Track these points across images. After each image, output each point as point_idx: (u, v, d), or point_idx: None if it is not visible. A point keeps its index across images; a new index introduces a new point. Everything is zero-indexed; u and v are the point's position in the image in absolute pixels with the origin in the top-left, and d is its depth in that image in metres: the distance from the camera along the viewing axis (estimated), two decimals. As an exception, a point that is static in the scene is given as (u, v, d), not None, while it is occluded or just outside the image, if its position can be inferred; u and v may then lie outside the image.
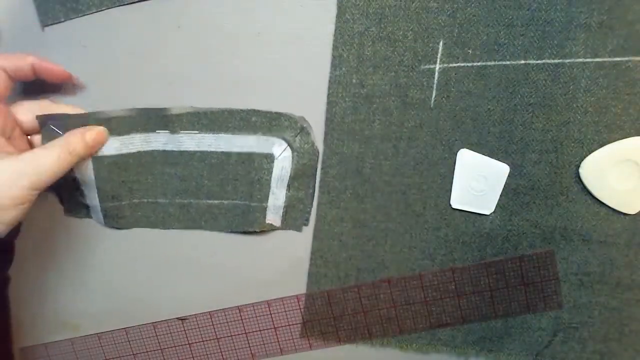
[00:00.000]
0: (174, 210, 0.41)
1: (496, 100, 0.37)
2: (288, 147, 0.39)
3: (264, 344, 0.43)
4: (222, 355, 0.44)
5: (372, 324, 0.42)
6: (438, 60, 0.37)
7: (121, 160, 0.39)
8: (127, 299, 0.44)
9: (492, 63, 0.37)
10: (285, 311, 0.43)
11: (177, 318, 0.44)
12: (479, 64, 0.37)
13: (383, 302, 0.41)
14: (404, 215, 0.40)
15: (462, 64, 0.37)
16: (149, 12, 0.38)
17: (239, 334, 0.43)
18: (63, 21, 0.39)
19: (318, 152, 0.39)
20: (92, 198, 0.40)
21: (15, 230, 0.37)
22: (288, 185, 0.40)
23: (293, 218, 0.41)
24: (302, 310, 0.42)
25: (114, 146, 0.38)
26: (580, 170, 0.37)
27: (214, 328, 0.44)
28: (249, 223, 0.40)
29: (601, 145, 0.37)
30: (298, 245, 0.41)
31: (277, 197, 0.40)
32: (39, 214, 0.42)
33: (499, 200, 0.39)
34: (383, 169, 0.39)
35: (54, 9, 0.38)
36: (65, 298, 0.45)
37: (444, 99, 0.38)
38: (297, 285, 0.42)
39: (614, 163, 0.37)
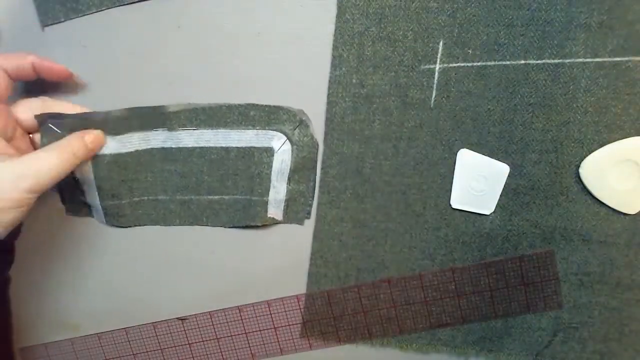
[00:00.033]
0: (174, 207, 0.41)
1: (496, 100, 0.37)
2: (287, 140, 0.39)
3: (264, 344, 0.43)
4: (222, 355, 0.44)
5: (372, 324, 0.42)
6: (438, 60, 0.37)
7: (120, 160, 0.39)
8: (127, 299, 0.44)
9: (492, 63, 0.37)
10: (285, 311, 0.43)
11: (177, 318, 0.44)
12: (479, 64, 0.37)
13: (383, 302, 0.41)
14: (404, 215, 0.40)
15: (462, 64, 0.37)
16: (149, 12, 0.38)
17: (239, 334, 0.43)
18: (63, 21, 0.39)
19: (317, 145, 0.40)
20: (93, 197, 0.40)
21: (16, 231, 0.37)
22: (288, 179, 0.40)
23: (294, 211, 0.41)
24: (302, 310, 0.42)
25: (113, 146, 0.39)
26: (580, 170, 0.37)
27: (214, 328, 0.44)
28: (250, 217, 0.40)
29: (601, 145, 0.37)
30: (298, 245, 0.41)
31: (278, 190, 0.40)
32: (39, 214, 0.42)
33: (499, 200, 0.39)
34: (383, 169, 0.39)
35: (54, 9, 0.38)
36: (65, 298, 0.45)
37: (444, 99, 0.38)
38: (297, 285, 0.42)
39: (614, 163, 0.37)
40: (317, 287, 0.42)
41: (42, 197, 0.41)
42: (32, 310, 0.45)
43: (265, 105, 0.39)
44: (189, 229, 0.42)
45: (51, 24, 0.39)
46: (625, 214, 0.38)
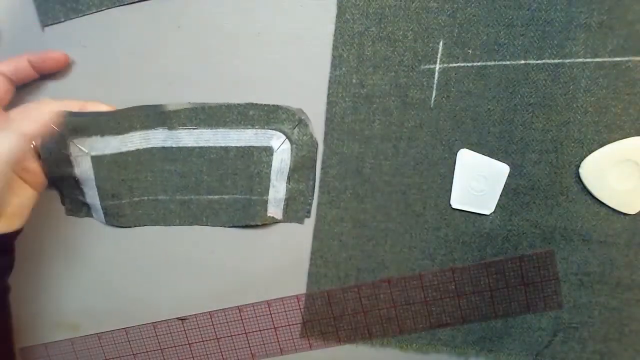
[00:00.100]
0: (174, 207, 0.41)
1: (496, 100, 0.37)
2: (286, 139, 0.39)
3: (264, 344, 0.43)
4: (222, 355, 0.44)
5: (372, 324, 0.42)
6: (438, 60, 0.37)
7: (120, 159, 0.39)
8: (127, 299, 0.44)
9: (492, 63, 0.37)
10: (285, 311, 0.43)
11: (177, 318, 0.44)
12: (479, 64, 0.37)
13: (383, 302, 0.41)
14: (404, 215, 0.40)
15: (462, 64, 0.37)
16: (149, 12, 0.38)
17: (239, 334, 0.43)
18: (63, 21, 0.39)
19: (317, 144, 0.40)
20: (92, 197, 0.40)
21: (12, 240, 0.38)
22: (288, 178, 0.40)
23: (294, 210, 0.41)
24: (302, 310, 0.42)
25: (114, 145, 0.39)
26: (580, 170, 0.37)
27: (214, 328, 0.44)
28: (250, 217, 0.40)
29: (601, 145, 0.37)
30: (298, 245, 0.41)
31: (278, 189, 0.40)
32: (39, 214, 0.42)
33: (499, 200, 0.39)
34: (383, 169, 0.39)
35: (54, 9, 0.38)
36: (65, 298, 0.45)
37: (444, 99, 0.38)
38: (297, 285, 0.42)
39: (614, 163, 0.37)
40: (317, 287, 0.42)
41: (42, 198, 0.41)
42: (32, 310, 0.45)
43: (264, 104, 0.39)
44: (189, 228, 0.42)
45: (51, 24, 0.39)
46: (625, 214, 0.38)
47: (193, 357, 0.44)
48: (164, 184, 0.41)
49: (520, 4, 0.36)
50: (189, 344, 0.44)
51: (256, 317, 0.43)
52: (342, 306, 0.42)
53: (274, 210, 0.40)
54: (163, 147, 0.40)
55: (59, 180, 0.40)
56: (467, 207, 0.39)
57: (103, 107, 0.38)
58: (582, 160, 0.37)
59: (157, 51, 0.39)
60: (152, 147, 0.40)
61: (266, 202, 0.40)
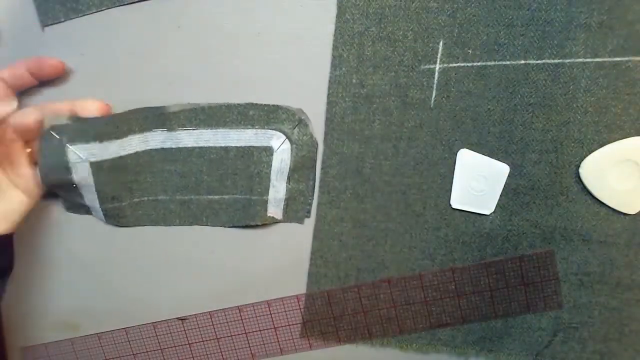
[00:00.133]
0: (175, 207, 0.41)
1: (496, 100, 0.37)
2: (286, 139, 0.39)
3: (264, 344, 0.43)
4: (222, 355, 0.44)
5: (372, 324, 0.42)
6: (438, 60, 0.37)
7: (120, 163, 0.39)
8: (127, 299, 0.44)
9: (492, 63, 0.37)
10: (285, 311, 0.43)
11: (177, 318, 0.44)
12: (479, 64, 0.37)
13: (383, 302, 0.41)
14: (404, 215, 0.40)
15: (462, 64, 0.37)
16: (149, 12, 0.38)
17: (239, 334, 0.43)
18: (63, 21, 0.39)
19: (317, 144, 0.40)
20: (92, 200, 0.40)
21: (10, 248, 0.38)
22: (288, 178, 0.40)
23: (294, 210, 0.41)
24: (302, 310, 0.42)
25: (112, 150, 0.38)
26: (580, 170, 0.37)
27: (214, 328, 0.44)
28: (250, 217, 0.40)
29: (601, 145, 0.37)
30: (298, 245, 0.41)
31: (278, 189, 0.40)
32: (39, 214, 0.42)
33: (499, 200, 0.39)
34: (383, 169, 0.39)
35: (54, 9, 0.38)
36: (65, 298, 0.45)
37: (444, 99, 0.38)
38: (297, 285, 0.42)
39: (614, 163, 0.37)
40: (317, 287, 0.42)
41: (41, 197, 0.41)
42: (32, 310, 0.45)
43: (264, 104, 0.39)
44: (189, 228, 0.42)
45: (51, 24, 0.39)
46: (625, 214, 0.38)
47: (193, 357, 0.44)
48: (164, 184, 0.41)
49: (520, 4, 0.36)
50: (189, 344, 0.44)
51: (256, 317, 0.43)
52: (342, 306, 0.42)
53: (274, 210, 0.40)
54: (162, 148, 0.40)
55: (58, 186, 0.39)
56: (467, 207, 0.39)
57: (91, 105, 0.38)
58: (582, 160, 0.37)
59: (157, 51, 0.39)
60: (150, 149, 0.40)
61: (266, 202, 0.40)
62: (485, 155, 0.38)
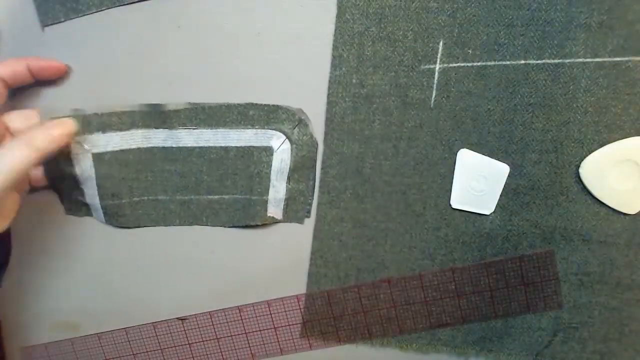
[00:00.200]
0: (174, 207, 0.41)
1: (496, 100, 0.37)
2: (286, 139, 0.39)
3: (264, 344, 0.43)
4: (222, 355, 0.44)
5: (372, 324, 0.42)
6: (438, 60, 0.37)
7: (121, 156, 0.39)
8: (127, 299, 0.44)
9: (492, 63, 0.37)
10: (285, 311, 0.43)
11: (177, 318, 0.44)
12: (479, 64, 0.37)
13: (383, 302, 0.41)
14: (404, 215, 0.40)
15: (462, 64, 0.37)
16: (149, 12, 0.38)
17: (239, 334, 0.43)
18: (63, 21, 0.39)
19: (317, 144, 0.40)
20: (92, 196, 0.40)
21: (7, 247, 0.38)
22: (288, 178, 0.40)
23: (294, 210, 0.41)
24: (302, 310, 0.42)
25: (115, 142, 0.39)
26: (580, 170, 0.37)
27: (214, 328, 0.44)
28: (250, 217, 0.40)
29: (601, 145, 0.37)
30: (298, 245, 0.41)
31: (278, 189, 0.40)
32: (39, 214, 0.42)
33: (499, 200, 0.39)
34: (383, 169, 0.39)
35: (54, 9, 0.38)
36: (65, 298, 0.45)
37: (444, 99, 0.38)
38: (297, 285, 0.42)
39: (614, 163, 0.37)
40: (317, 287, 0.42)
41: (41, 198, 0.41)
42: (32, 310, 0.45)
43: (264, 104, 0.39)
44: (189, 228, 0.42)
45: (51, 24, 0.39)
46: (625, 214, 0.38)
47: (193, 357, 0.44)
48: (164, 184, 0.41)
49: (520, 4, 0.36)
50: (189, 344, 0.44)
51: (256, 317, 0.43)
52: (342, 306, 0.42)
53: (274, 210, 0.40)
54: (163, 147, 0.40)
55: (59, 179, 0.40)
56: (467, 207, 0.39)
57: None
58: (582, 160, 0.37)
59: (157, 51, 0.39)
60: (152, 147, 0.40)
61: (266, 202, 0.40)
62: (485, 155, 0.38)
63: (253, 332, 0.43)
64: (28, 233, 0.43)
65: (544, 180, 0.38)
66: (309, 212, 0.41)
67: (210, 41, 0.39)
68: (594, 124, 0.37)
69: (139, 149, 0.39)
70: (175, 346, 0.44)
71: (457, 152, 0.39)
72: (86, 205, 0.42)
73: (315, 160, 0.40)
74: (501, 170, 0.38)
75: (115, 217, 0.41)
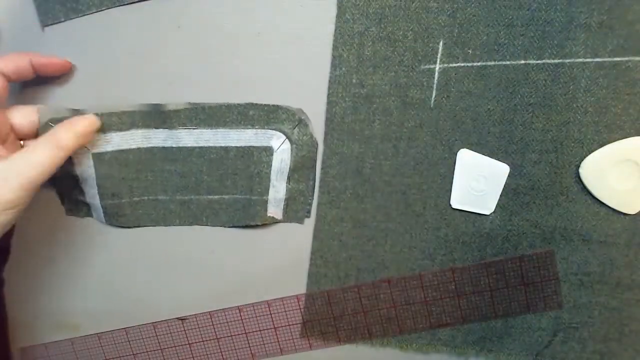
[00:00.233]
0: (174, 207, 0.41)
1: (496, 100, 0.37)
2: (286, 139, 0.39)
3: (264, 344, 0.43)
4: (222, 355, 0.44)
5: (372, 324, 0.42)
6: (438, 60, 0.37)
7: (121, 156, 0.39)
8: (127, 299, 0.44)
9: (492, 63, 0.37)
10: (285, 311, 0.43)
11: (177, 318, 0.44)
12: (479, 64, 0.37)
13: (383, 302, 0.41)
14: (404, 215, 0.40)
15: (462, 64, 0.37)
16: (149, 12, 0.38)
17: (239, 334, 0.43)
18: (63, 21, 0.39)
19: (317, 143, 0.40)
20: (93, 196, 0.40)
21: (10, 232, 0.37)
22: (288, 178, 0.40)
23: (294, 210, 0.41)
24: (302, 310, 0.42)
25: (115, 142, 0.39)
26: (580, 170, 0.37)
27: (214, 328, 0.44)
28: (250, 217, 0.40)
29: (601, 145, 0.37)
30: (298, 245, 0.41)
31: (278, 189, 0.40)
32: (39, 214, 0.42)
33: (499, 200, 0.39)
34: (383, 169, 0.39)
35: (54, 9, 0.38)
36: (65, 298, 0.45)
37: (444, 99, 0.38)
38: (297, 285, 0.42)
39: (614, 163, 0.37)
40: (317, 287, 0.42)
41: (41, 197, 0.41)
42: (32, 310, 0.45)
43: (264, 104, 0.39)
44: (189, 228, 0.42)
45: (51, 24, 0.39)
46: (625, 214, 0.38)
47: (193, 357, 0.44)
48: (164, 184, 0.41)
49: (520, 4, 0.36)
50: (189, 344, 0.44)
51: (256, 317, 0.43)
52: (342, 306, 0.42)
53: (274, 210, 0.40)
54: (163, 147, 0.40)
55: (59, 179, 0.40)
56: (467, 207, 0.39)
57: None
58: (582, 160, 0.37)
59: (157, 51, 0.39)
60: (152, 147, 0.40)
61: (266, 202, 0.40)
62: (485, 155, 0.38)
63: (253, 332, 0.43)
64: (28, 233, 0.43)
65: (544, 180, 0.38)
66: (309, 212, 0.41)
67: (210, 41, 0.39)
68: (594, 124, 0.37)
69: (138, 149, 0.39)
70: (175, 346, 0.44)
71: (457, 152, 0.39)
72: (87, 205, 0.42)
73: (315, 160, 0.40)
74: (501, 170, 0.38)
75: (115, 217, 0.41)
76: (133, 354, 0.45)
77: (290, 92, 0.39)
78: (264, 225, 0.41)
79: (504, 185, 0.39)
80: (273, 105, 0.39)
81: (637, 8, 0.35)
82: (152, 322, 0.44)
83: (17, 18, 0.39)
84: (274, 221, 0.41)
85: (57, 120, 0.37)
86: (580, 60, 0.36)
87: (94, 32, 0.39)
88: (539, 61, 0.36)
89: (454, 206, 0.39)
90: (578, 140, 0.37)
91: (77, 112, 0.38)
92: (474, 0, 0.36)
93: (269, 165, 0.39)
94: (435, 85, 0.38)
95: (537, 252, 0.40)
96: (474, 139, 0.38)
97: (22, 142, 0.38)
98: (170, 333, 0.44)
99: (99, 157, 0.39)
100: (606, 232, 0.39)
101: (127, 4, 0.38)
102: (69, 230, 0.43)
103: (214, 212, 0.41)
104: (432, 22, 0.37)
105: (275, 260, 0.42)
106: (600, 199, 0.38)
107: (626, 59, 0.36)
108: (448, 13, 0.37)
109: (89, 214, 0.42)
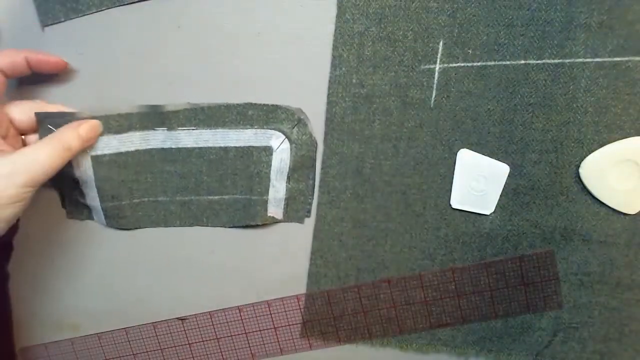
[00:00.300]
0: (175, 208, 0.41)
1: (496, 100, 0.37)
2: (286, 139, 0.39)
3: (264, 344, 0.43)
4: (222, 355, 0.44)
5: (372, 324, 0.42)
6: (438, 60, 0.37)
7: (120, 159, 0.39)
8: (127, 299, 0.44)
9: (492, 63, 0.37)
10: (285, 311, 0.43)
11: (177, 318, 0.44)
12: (479, 64, 0.37)
13: (383, 302, 0.41)
14: (404, 215, 0.40)
15: (462, 64, 0.37)
16: (149, 12, 0.38)
17: (239, 334, 0.43)
18: (63, 21, 0.39)
19: (316, 143, 0.40)
20: (93, 198, 0.40)
21: (14, 227, 0.37)
22: (288, 177, 0.40)
23: (294, 210, 0.41)
24: (302, 310, 0.42)
25: (113, 145, 0.39)
26: (580, 170, 0.37)
27: (214, 328, 0.44)
28: (250, 217, 0.40)
29: (601, 145, 0.37)
30: (298, 245, 0.41)
31: (278, 189, 0.40)
32: (40, 214, 0.42)
33: (499, 200, 0.39)
34: (383, 169, 0.39)
35: (54, 9, 0.38)
36: (65, 298, 0.45)
37: (444, 99, 0.38)
38: (297, 285, 0.42)
39: (614, 163, 0.37)
40: (317, 287, 0.42)
41: (42, 198, 0.41)
42: (32, 310, 0.45)
43: (263, 104, 0.39)
44: (189, 229, 0.42)
45: (51, 24, 0.39)
46: (625, 214, 0.38)
47: (193, 357, 0.44)
48: (164, 185, 0.41)
49: (520, 4, 0.36)
50: (189, 344, 0.44)
51: (256, 317, 0.43)
52: (342, 306, 0.42)
53: (274, 210, 0.40)
54: (162, 149, 0.40)
55: (59, 181, 0.40)
56: (467, 207, 0.39)
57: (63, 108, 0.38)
58: (582, 160, 0.37)
59: (157, 51, 0.39)
60: (151, 149, 0.40)
61: (266, 202, 0.40)
62: (485, 155, 0.38)
63: (253, 332, 0.43)
64: (29, 234, 0.43)
65: (544, 180, 0.38)
66: (309, 211, 0.41)
67: (210, 41, 0.39)
68: (594, 124, 0.37)
69: (137, 151, 0.39)
70: (175, 346, 0.44)
71: (457, 152, 0.39)
72: (87, 208, 0.42)
73: (314, 160, 0.40)
74: (501, 170, 0.38)
75: (115, 219, 0.41)
76: (133, 354, 0.45)
77: (290, 92, 0.39)
78: (264, 225, 0.41)
79: (504, 185, 0.39)
80: (272, 105, 0.39)
81: (637, 8, 0.35)
82: (152, 322, 0.44)
83: (17, 18, 0.39)
84: (274, 221, 0.41)
85: (56, 123, 0.37)
86: (580, 60, 0.36)
87: (94, 32, 0.39)
88: (539, 61, 0.36)
89: (454, 206, 0.39)
90: (578, 140, 0.37)
91: (72, 115, 0.38)
92: (474, 0, 0.36)
93: (269, 165, 0.39)
94: (435, 85, 0.38)
95: (537, 252, 0.40)
96: (474, 139, 0.38)
97: (23, 136, 0.38)
98: (170, 333, 0.44)
99: (97, 160, 0.38)
100: (606, 232, 0.39)
101: (127, 4, 0.38)
102: (70, 231, 0.43)
103: (214, 212, 0.41)
104: (432, 22, 0.37)
105: (275, 260, 0.42)
106: (600, 199, 0.38)
107: (626, 59, 0.36)
108: (448, 13, 0.37)
109: (89, 216, 0.42)
